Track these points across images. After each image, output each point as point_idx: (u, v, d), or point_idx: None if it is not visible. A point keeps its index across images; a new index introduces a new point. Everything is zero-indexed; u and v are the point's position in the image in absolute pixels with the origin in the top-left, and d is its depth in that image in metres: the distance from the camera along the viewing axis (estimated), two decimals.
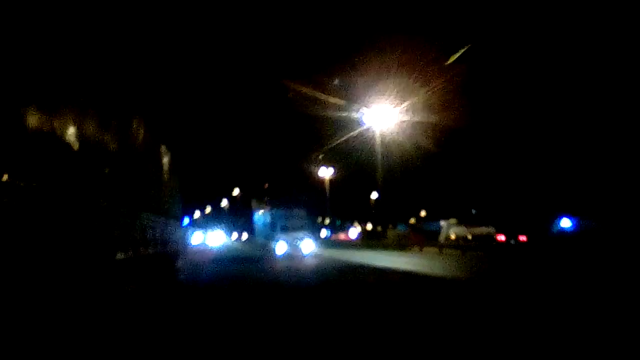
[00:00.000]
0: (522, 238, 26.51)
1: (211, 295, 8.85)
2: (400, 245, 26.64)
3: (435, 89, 27.05)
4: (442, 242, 25.29)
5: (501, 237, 26.85)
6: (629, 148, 28.62)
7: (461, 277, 11.84)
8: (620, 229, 23.84)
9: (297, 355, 4.36)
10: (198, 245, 30.93)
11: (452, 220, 28.87)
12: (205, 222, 64.74)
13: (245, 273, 13.85)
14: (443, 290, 9.15)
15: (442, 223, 29.27)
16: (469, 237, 25.72)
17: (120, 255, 5.03)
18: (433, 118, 28.35)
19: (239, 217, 61.07)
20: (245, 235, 45.53)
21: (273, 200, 31.03)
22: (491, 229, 26.56)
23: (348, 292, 9.13)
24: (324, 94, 26.10)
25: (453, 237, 26.58)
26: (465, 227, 27.24)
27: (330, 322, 5.92)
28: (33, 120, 2.83)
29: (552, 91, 33.24)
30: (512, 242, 24.60)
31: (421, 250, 24.21)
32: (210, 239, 35.28)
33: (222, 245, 33.65)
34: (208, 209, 74.84)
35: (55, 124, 3.21)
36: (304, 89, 25.46)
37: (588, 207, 30.51)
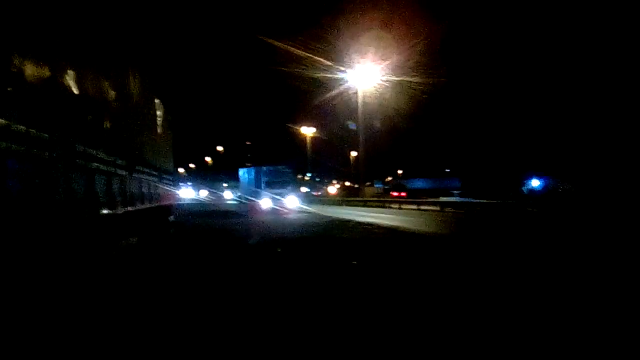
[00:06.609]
0: (403, 194, 39.48)
1: (206, 248, 9.07)
2: (380, 202, 30.40)
3: (418, 48, 26.97)
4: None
5: (394, 193, 40.64)
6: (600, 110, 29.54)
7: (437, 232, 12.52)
8: (589, 188, 25.11)
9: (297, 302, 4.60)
10: (186, 200, 32.21)
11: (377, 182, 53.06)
12: (190, 178, 64.33)
13: (237, 226, 14.09)
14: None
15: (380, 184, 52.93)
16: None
17: (112, 210, 4.88)
18: (414, 77, 28.47)
19: (222, 173, 60.80)
20: (228, 193, 46.24)
21: (255, 157, 31.00)
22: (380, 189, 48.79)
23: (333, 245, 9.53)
24: (310, 54, 25.77)
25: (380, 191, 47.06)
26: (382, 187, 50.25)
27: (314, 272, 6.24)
28: (30, 68, 2.74)
29: (532, 51, 33.53)
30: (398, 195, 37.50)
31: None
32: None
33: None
34: (192, 165, 74.05)
35: (52, 72, 3.12)
36: (289, 48, 25.01)
37: (557, 168, 31.89)
